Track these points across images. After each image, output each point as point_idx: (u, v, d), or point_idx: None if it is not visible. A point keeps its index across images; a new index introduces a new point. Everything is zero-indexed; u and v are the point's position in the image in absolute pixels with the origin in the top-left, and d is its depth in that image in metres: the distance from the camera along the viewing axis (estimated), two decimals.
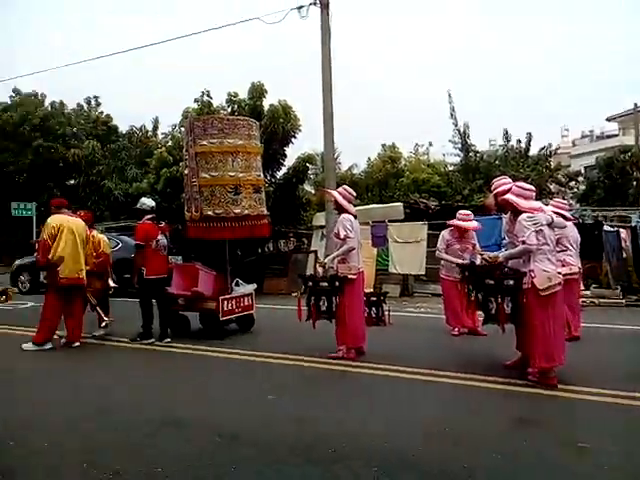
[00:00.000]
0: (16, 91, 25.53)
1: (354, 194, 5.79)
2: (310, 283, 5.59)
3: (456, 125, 16.68)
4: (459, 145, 17.00)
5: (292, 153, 13.29)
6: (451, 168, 18.59)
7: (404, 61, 67.52)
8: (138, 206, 6.73)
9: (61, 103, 26.54)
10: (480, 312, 5.16)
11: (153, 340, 6.36)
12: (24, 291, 12.55)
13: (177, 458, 3.05)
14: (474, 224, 6.84)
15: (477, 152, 16.98)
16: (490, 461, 2.96)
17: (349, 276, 5.34)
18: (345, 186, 5.94)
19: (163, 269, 6.54)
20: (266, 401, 4.10)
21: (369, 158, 22.90)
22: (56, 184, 22.85)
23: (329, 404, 4.04)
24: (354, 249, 5.39)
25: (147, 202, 6.73)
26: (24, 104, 24.71)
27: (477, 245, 6.65)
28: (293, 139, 12.89)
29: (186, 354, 5.83)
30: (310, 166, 13.47)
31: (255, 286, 7.30)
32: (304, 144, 13.55)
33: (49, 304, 6.24)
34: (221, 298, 6.44)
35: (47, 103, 26.23)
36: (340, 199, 5.58)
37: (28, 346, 6.08)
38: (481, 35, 69.47)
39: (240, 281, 7.09)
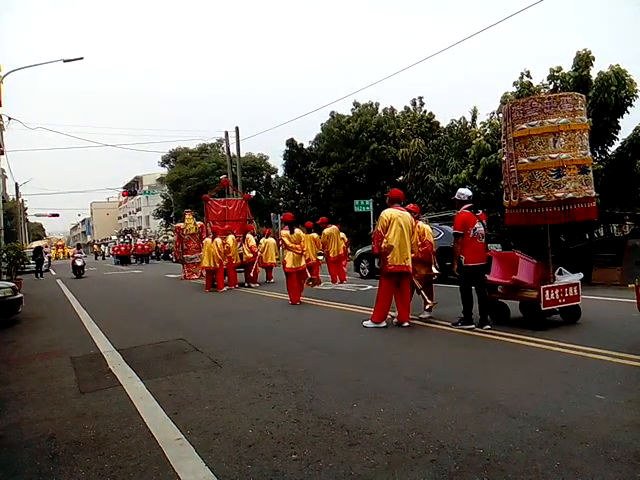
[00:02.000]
0: (356, 104, 29.65)
1: None
2: None
3: None
4: None
5: (628, 124, 11.46)
6: None
7: None
8: (456, 196, 6.96)
9: (391, 108, 29.57)
10: None
11: (473, 326, 6.51)
12: (364, 276, 14.49)
13: (498, 443, 3.09)
14: None
15: None
16: None
17: None
18: None
19: (482, 257, 6.62)
20: (593, 399, 3.76)
21: None
22: (388, 181, 25.56)
23: None
24: None
25: (465, 192, 6.92)
26: (362, 114, 28.52)
27: None
28: (629, 108, 11.09)
29: (505, 342, 5.78)
30: None
31: (581, 275, 6.65)
32: None
33: (382, 288, 7.08)
34: (543, 287, 6.13)
35: (380, 110, 29.60)
36: None
37: (368, 323, 7.04)
38: None
39: (564, 270, 6.60)
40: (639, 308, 5.02)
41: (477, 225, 6.59)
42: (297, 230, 10.32)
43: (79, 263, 21.88)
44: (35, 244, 28.70)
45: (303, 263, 10.21)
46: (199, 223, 17.98)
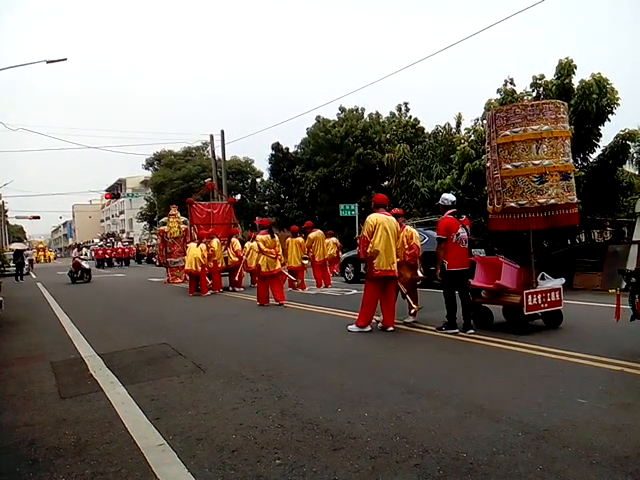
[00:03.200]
0: (342, 109, 29.72)
1: None
2: (633, 279, 4.94)
3: None
4: None
5: (609, 132, 11.67)
6: None
7: None
8: (440, 202, 7.01)
9: (377, 114, 29.68)
10: None
11: (457, 331, 6.55)
12: (349, 280, 14.52)
13: (482, 447, 3.10)
14: None
15: None
16: None
17: None
18: None
19: (464, 262, 6.67)
20: (575, 404, 3.80)
21: None
22: (373, 186, 25.61)
23: None
24: None
25: (448, 197, 6.97)
26: (348, 119, 28.58)
27: None
28: (610, 115, 11.30)
29: (489, 346, 5.82)
30: (632, 144, 11.58)
31: (563, 280, 6.75)
32: (623, 120, 11.68)
33: (368, 292, 7.09)
34: (525, 292, 6.20)
35: (366, 115, 29.72)
36: None
37: (352, 328, 7.04)
38: None
39: (546, 275, 6.68)
40: (617, 317, 5.04)
41: (460, 230, 6.64)
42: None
43: (86, 266, 19.51)
44: (16, 246, 28.17)
45: (278, 266, 10.54)
46: (184, 227, 17.84)
